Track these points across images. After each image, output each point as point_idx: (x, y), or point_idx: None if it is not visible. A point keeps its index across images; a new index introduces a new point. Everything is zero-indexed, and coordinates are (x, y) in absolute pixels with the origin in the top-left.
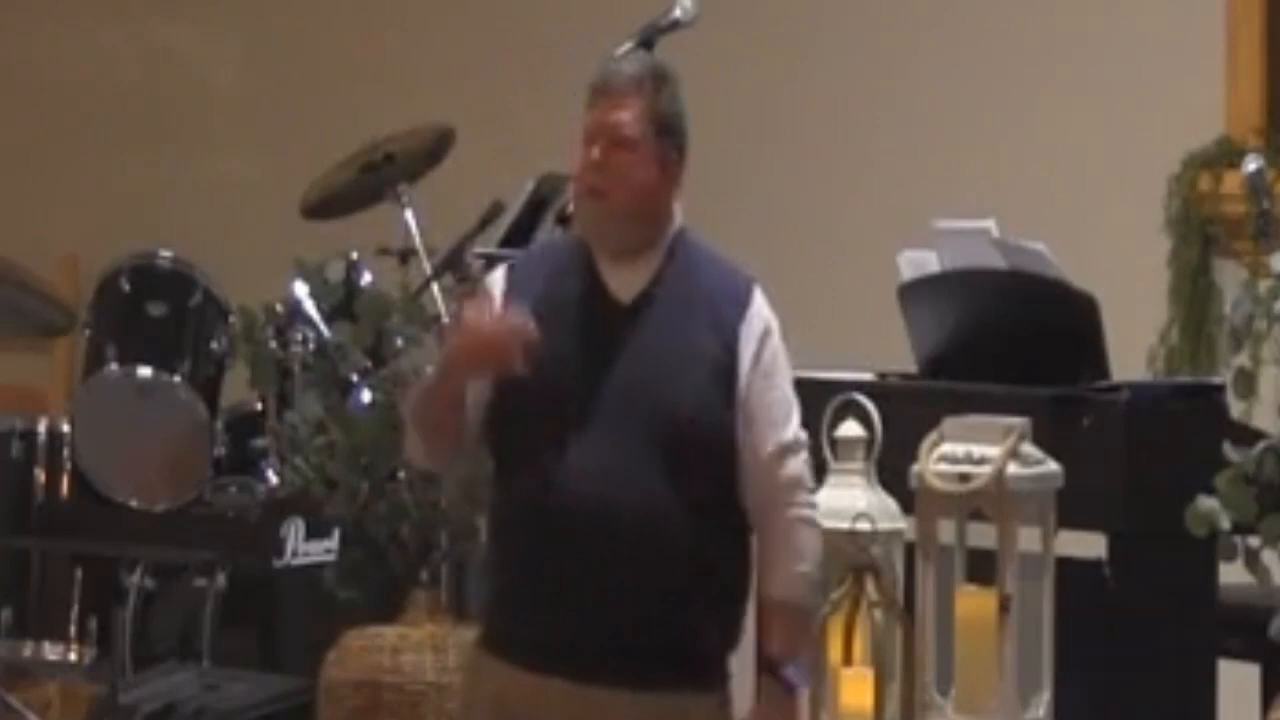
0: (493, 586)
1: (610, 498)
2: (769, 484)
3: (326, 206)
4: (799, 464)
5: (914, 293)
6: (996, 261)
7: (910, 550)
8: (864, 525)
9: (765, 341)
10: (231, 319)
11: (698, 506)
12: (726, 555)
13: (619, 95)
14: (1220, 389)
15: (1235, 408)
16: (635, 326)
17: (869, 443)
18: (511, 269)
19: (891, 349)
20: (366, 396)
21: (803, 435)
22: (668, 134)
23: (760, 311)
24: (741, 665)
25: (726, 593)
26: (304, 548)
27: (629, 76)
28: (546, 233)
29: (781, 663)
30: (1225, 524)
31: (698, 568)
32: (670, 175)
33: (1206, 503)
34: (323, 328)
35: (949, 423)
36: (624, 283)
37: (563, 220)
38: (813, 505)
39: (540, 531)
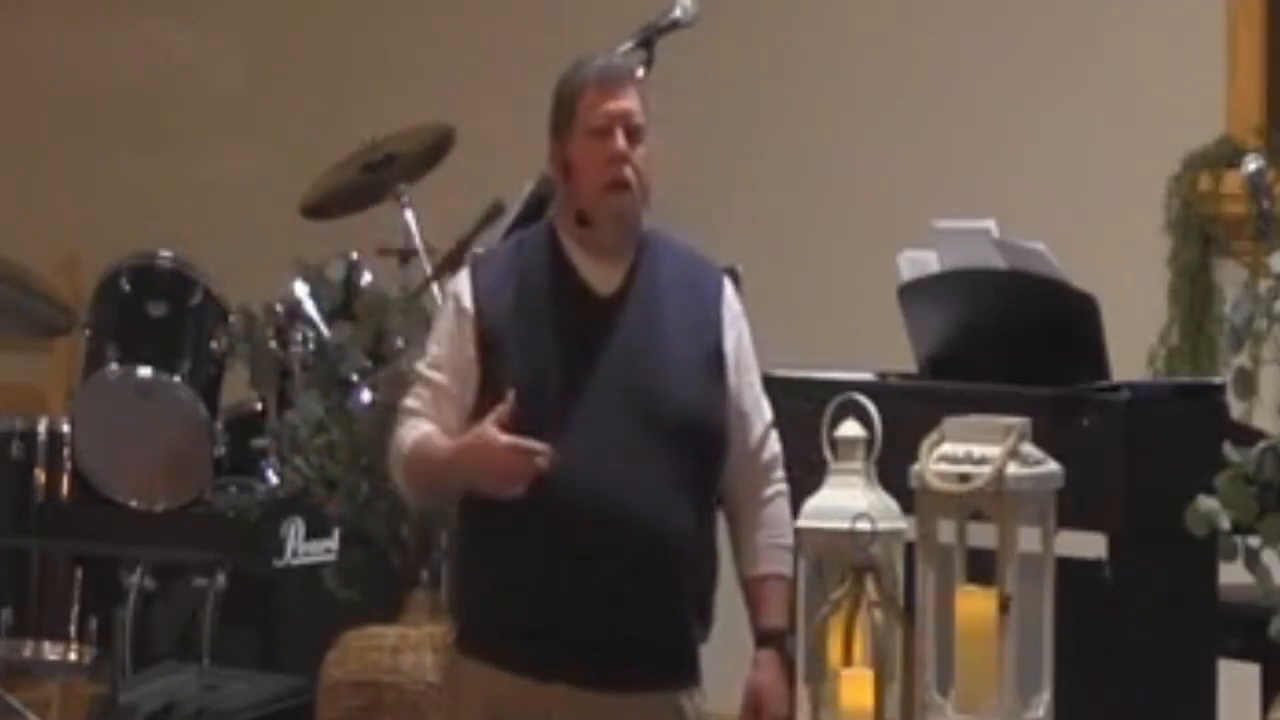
0: (480, 589)
1: (619, 494)
2: (757, 464)
3: (326, 206)
4: (777, 442)
5: (914, 293)
6: (996, 261)
7: (910, 550)
8: (864, 525)
9: (741, 328)
10: (231, 319)
11: (696, 498)
12: (710, 544)
13: (622, 84)
14: (1220, 389)
15: (1235, 408)
16: (617, 320)
17: (869, 443)
18: (474, 270)
19: (891, 349)
20: (366, 396)
21: None
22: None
23: (732, 299)
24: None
25: (709, 582)
26: (304, 548)
27: (628, 67)
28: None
29: (782, 633)
30: (1225, 524)
31: (694, 560)
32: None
33: (1206, 503)
34: (323, 328)
35: (949, 423)
36: (600, 276)
37: (532, 216)
38: (785, 479)
39: (542, 531)
